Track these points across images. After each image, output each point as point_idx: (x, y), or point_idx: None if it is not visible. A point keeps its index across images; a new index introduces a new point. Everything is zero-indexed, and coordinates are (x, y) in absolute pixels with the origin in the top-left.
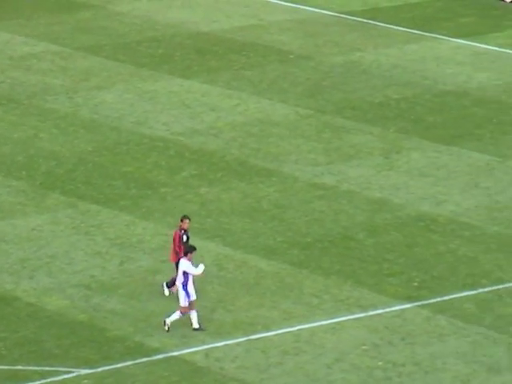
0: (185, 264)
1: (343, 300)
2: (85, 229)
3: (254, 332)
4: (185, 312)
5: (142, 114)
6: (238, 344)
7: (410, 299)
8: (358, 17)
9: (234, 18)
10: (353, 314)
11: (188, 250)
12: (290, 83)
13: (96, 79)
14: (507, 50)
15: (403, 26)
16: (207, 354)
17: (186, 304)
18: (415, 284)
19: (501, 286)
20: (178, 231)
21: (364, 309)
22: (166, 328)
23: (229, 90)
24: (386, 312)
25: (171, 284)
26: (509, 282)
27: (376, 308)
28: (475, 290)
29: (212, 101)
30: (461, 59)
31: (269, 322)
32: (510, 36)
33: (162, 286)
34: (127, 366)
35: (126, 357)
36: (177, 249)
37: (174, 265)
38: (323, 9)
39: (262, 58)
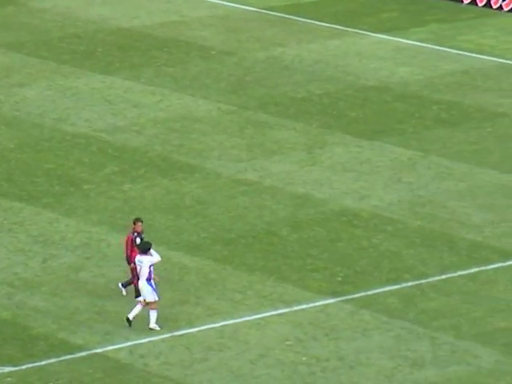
0: (148, 259)
1: (267, 296)
2: (7, 226)
3: (178, 328)
4: (156, 307)
5: (64, 110)
6: (162, 340)
7: (333, 294)
8: (279, 12)
9: (155, 14)
10: (277, 309)
11: (148, 246)
12: (212, 79)
13: (17, 76)
14: (428, 45)
15: (325, 22)
16: (131, 350)
17: (156, 298)
18: (339, 279)
19: (424, 281)
20: (131, 234)
21: (288, 304)
22: (159, 329)
23: (151, 87)
24: (310, 307)
25: (127, 284)
26: (432, 276)
27: (300, 303)
28: (398, 284)
29: (134, 97)
30: (383, 54)
31: (193, 318)
32: (431, 31)
33: (118, 286)
34: (51, 364)
35: (49, 354)
36: (129, 252)
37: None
38: (245, 4)
39: (184, 54)
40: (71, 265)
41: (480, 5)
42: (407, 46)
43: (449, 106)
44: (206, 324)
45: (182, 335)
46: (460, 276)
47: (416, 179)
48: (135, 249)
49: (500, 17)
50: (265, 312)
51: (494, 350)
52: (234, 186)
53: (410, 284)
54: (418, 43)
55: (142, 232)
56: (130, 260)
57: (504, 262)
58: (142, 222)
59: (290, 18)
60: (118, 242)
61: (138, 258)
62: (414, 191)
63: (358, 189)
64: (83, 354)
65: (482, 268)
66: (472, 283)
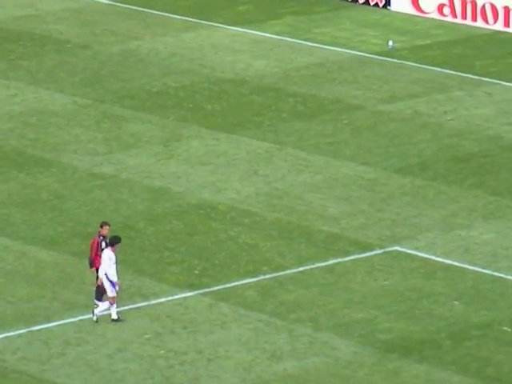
0: (108, 254)
1: (125, 289)
2: None
3: (36, 323)
4: (113, 302)
5: None
6: (19, 336)
7: (191, 287)
8: (134, 5)
9: (9, 8)
10: (135, 303)
11: (114, 240)
12: (67, 73)
13: None
14: (284, 38)
15: (180, 14)
16: None
17: (114, 294)
18: (196, 272)
19: (281, 273)
20: (97, 238)
21: (146, 298)
22: (95, 319)
23: (5, 80)
24: (168, 300)
25: (100, 295)
26: (289, 268)
27: (158, 297)
28: (256, 277)
29: None
30: (239, 47)
31: (50, 312)
32: (287, 23)
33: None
34: None
35: None
36: (93, 255)
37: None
38: None
39: (39, 47)
40: None
41: None
42: (263, 39)
43: (305, 98)
44: (63, 318)
45: (40, 330)
46: (318, 268)
47: (273, 172)
48: (99, 253)
49: (355, 9)
50: (122, 306)
51: (351, 342)
52: (90, 179)
53: (267, 276)
54: (274, 36)
55: (107, 236)
56: (93, 264)
57: (360, 253)
58: (109, 225)
59: (145, 11)
60: None
61: (105, 250)
62: (270, 184)
63: (214, 182)
64: None
65: (340, 260)
66: (329, 275)
